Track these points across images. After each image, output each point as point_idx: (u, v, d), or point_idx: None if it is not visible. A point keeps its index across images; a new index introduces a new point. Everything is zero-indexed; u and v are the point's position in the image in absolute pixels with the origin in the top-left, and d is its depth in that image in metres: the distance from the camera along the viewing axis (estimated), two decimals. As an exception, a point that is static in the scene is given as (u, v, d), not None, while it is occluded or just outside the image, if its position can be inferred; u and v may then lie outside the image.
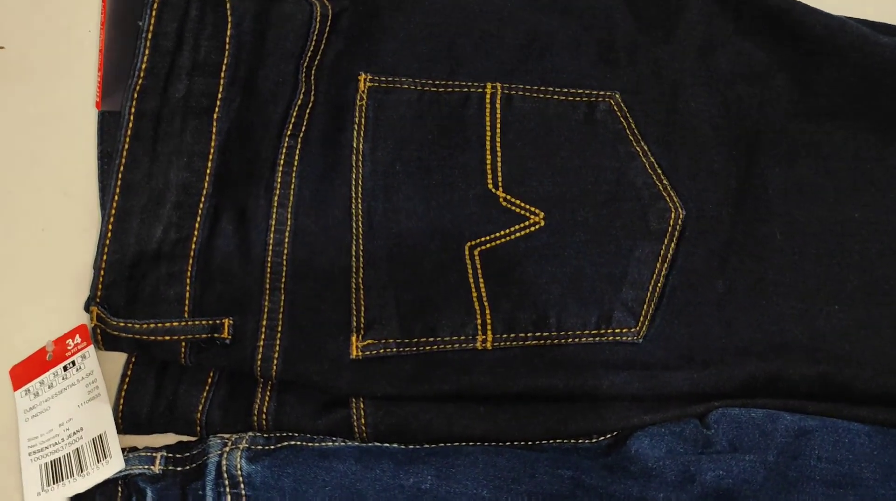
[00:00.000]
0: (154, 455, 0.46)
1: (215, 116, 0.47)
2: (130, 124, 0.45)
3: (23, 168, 0.54)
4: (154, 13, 0.45)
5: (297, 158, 0.50)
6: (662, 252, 0.50)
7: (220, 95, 0.47)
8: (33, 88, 0.55)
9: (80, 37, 0.55)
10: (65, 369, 0.50)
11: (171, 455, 0.46)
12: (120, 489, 0.45)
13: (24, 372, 0.50)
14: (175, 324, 0.45)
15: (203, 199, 0.47)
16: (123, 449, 0.46)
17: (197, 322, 0.46)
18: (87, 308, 0.46)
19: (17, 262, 0.52)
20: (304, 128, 0.50)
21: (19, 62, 0.55)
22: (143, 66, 0.45)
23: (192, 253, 0.47)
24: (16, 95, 0.54)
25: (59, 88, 0.54)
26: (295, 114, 0.50)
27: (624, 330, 0.48)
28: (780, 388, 0.46)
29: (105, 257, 0.45)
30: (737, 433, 0.44)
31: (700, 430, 0.44)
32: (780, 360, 0.47)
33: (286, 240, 0.49)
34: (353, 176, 0.50)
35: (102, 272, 0.45)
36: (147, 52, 0.45)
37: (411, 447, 0.46)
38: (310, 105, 0.51)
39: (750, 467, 0.42)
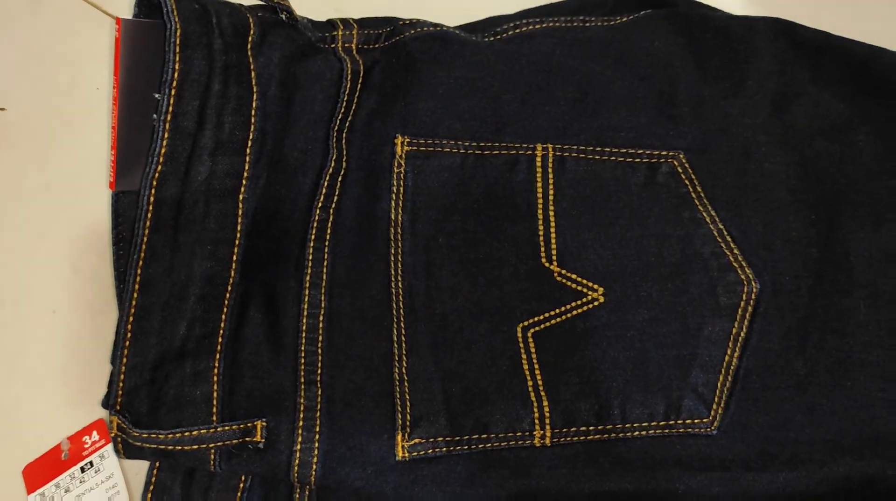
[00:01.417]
0: (183, 573, 0.42)
1: (241, 197, 0.42)
2: (149, 215, 0.40)
3: (29, 243, 0.49)
4: (174, 92, 0.40)
5: (329, 232, 0.45)
6: (735, 331, 0.45)
7: (245, 174, 0.42)
8: (38, 154, 0.50)
9: (87, 95, 0.50)
10: (82, 470, 0.45)
11: (201, 572, 0.42)
12: None
13: (38, 473, 0.46)
14: (203, 432, 0.41)
15: (230, 289, 0.42)
16: (149, 567, 0.42)
17: (227, 428, 0.41)
18: (104, 406, 0.42)
19: (26, 348, 0.48)
20: (335, 198, 0.46)
21: (22, 125, 0.50)
22: (163, 151, 0.40)
23: (218, 348, 0.42)
24: (19, 162, 0.50)
25: (66, 153, 0.50)
26: (326, 183, 0.45)
27: (696, 421, 0.44)
28: (880, 491, 0.42)
29: (125, 361, 0.41)
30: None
31: (790, 544, 0.40)
32: (877, 458, 0.42)
33: (320, 325, 0.44)
34: (392, 251, 0.46)
35: (122, 377, 0.41)
36: (166, 135, 0.40)
37: (466, 561, 0.41)
38: (342, 173, 0.46)
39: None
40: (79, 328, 0.48)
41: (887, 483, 0.42)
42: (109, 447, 0.45)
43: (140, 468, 0.45)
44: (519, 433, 0.43)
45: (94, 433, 0.46)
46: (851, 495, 0.42)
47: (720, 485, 0.42)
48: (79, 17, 0.53)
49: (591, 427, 0.43)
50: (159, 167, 0.40)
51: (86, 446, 0.46)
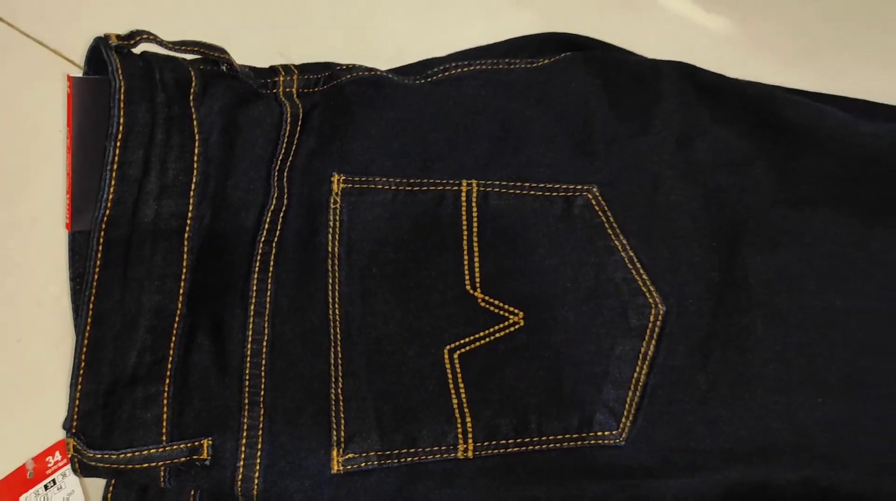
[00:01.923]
0: (137, 581, 0.46)
1: (186, 235, 0.46)
2: (99, 254, 0.44)
3: (-4, 277, 0.53)
4: (118, 143, 0.44)
5: (271, 264, 0.49)
6: (643, 349, 0.49)
7: (190, 215, 0.46)
8: (3, 194, 0.54)
9: (50, 138, 0.54)
10: (46, 487, 0.50)
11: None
12: None
13: (5, 491, 0.50)
14: (153, 451, 0.45)
15: (177, 319, 0.46)
16: (106, 575, 0.46)
17: (175, 446, 0.45)
18: (64, 429, 0.46)
19: (-7, 375, 0.52)
20: (277, 233, 0.50)
21: (-12, 166, 0.54)
22: (110, 196, 0.44)
23: (168, 373, 0.46)
24: (-15, 201, 0.54)
25: (29, 194, 0.54)
26: (268, 219, 0.50)
27: (606, 433, 0.48)
28: (767, 495, 0.46)
29: (80, 388, 0.45)
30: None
31: (683, 544, 0.44)
32: (766, 464, 0.47)
33: (264, 350, 0.48)
34: (330, 281, 0.50)
35: (77, 403, 0.45)
36: (113, 183, 0.44)
37: (395, 565, 0.46)
38: (283, 209, 0.50)
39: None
40: (42, 356, 0.52)
41: (773, 489, 0.46)
42: (68, 469, 0.49)
43: (99, 483, 0.49)
44: (444, 447, 0.47)
45: (57, 453, 0.51)
46: (742, 498, 0.46)
47: (624, 492, 0.46)
48: (44, 64, 0.57)
49: (510, 441, 0.48)
50: (107, 212, 0.44)
51: (49, 465, 0.50)
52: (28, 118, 0.55)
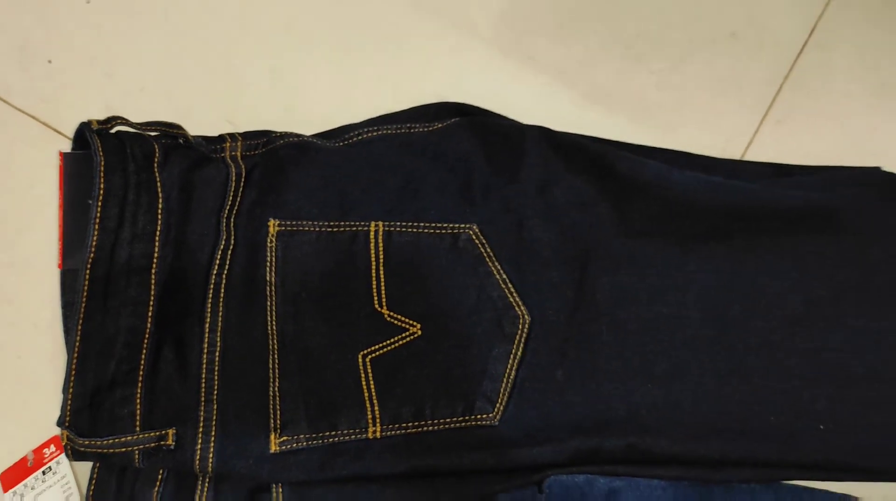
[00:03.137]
0: (118, 541, 0.59)
1: (153, 271, 0.60)
2: (86, 287, 0.58)
3: (-1, 307, 0.66)
4: (100, 203, 0.58)
5: (222, 292, 0.63)
6: (513, 351, 0.63)
7: (156, 255, 0.60)
8: (3, 238, 0.67)
9: (43, 192, 0.67)
10: (43, 473, 0.62)
11: (132, 539, 0.59)
12: (92, 568, 0.58)
13: (12, 477, 0.62)
14: (129, 438, 0.58)
15: (147, 336, 0.60)
16: (93, 538, 0.59)
17: (146, 434, 0.58)
18: (58, 425, 0.59)
19: (-1, 386, 0.65)
20: (227, 267, 0.63)
21: (-9, 217, 0.67)
22: (94, 243, 0.58)
23: (140, 379, 0.59)
24: (-11, 246, 0.67)
25: (25, 239, 0.67)
26: (219, 257, 0.63)
27: (484, 416, 0.62)
28: (601, 457, 0.60)
29: (71, 391, 0.58)
30: (564, 495, 0.58)
31: (537, 495, 0.58)
32: (600, 435, 0.61)
33: (216, 360, 0.62)
34: (269, 304, 0.63)
35: (70, 403, 0.57)
36: (96, 232, 0.58)
37: (319, 521, 0.59)
38: (231, 248, 0.64)
39: (571, 523, 0.57)
40: (38, 370, 0.65)
41: (605, 452, 0.60)
42: (63, 456, 0.62)
43: (85, 469, 0.62)
44: (357, 430, 0.61)
45: (52, 445, 0.63)
46: (583, 461, 0.60)
47: (494, 458, 0.60)
48: (36, 134, 0.70)
49: (409, 424, 0.61)
50: (91, 254, 0.58)
51: (45, 456, 0.63)
52: (23, 178, 0.68)
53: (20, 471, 0.62)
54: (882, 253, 0.65)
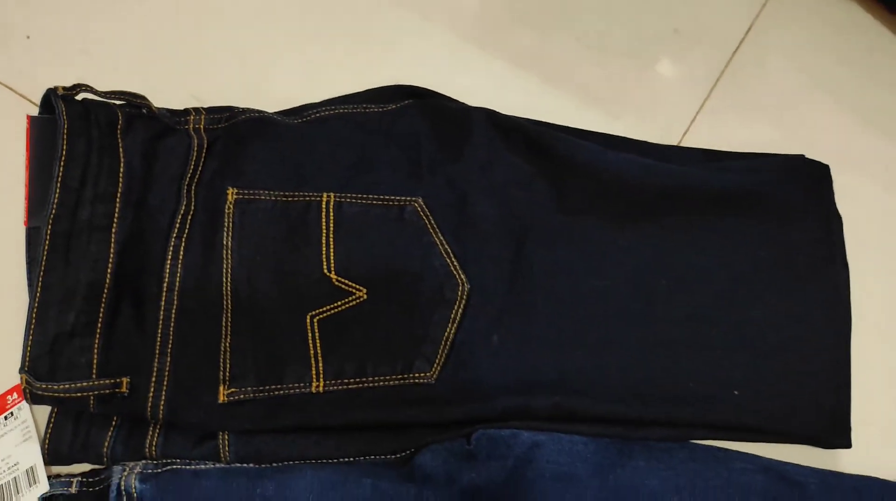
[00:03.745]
0: (72, 480, 0.63)
1: (113, 230, 0.64)
2: (48, 241, 0.62)
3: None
4: (62, 164, 0.62)
5: (181, 254, 0.67)
6: (452, 316, 0.67)
7: (116, 215, 0.64)
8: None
9: (13, 159, 0.72)
10: (5, 418, 0.66)
11: (84, 479, 0.63)
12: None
13: (-26, 422, 0.66)
14: (84, 384, 0.62)
15: (106, 291, 0.64)
16: (49, 477, 0.62)
17: (102, 382, 0.62)
18: (19, 371, 0.63)
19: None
20: (186, 231, 0.67)
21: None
22: (56, 201, 0.62)
23: (98, 331, 0.63)
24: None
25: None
26: (178, 221, 0.67)
27: (421, 375, 0.66)
28: (528, 414, 0.64)
29: (31, 338, 0.62)
30: (490, 447, 0.62)
31: (465, 446, 0.62)
32: (529, 395, 0.65)
33: (172, 317, 0.65)
34: (224, 266, 0.67)
35: (29, 349, 0.62)
36: (58, 191, 0.62)
37: (262, 466, 0.63)
38: (191, 214, 0.68)
39: (495, 471, 0.60)
40: (4, 325, 0.69)
41: (531, 410, 0.64)
42: (24, 403, 0.66)
43: (45, 415, 0.66)
44: (302, 384, 0.65)
45: (14, 394, 0.67)
46: (509, 417, 0.64)
47: (429, 414, 0.64)
48: (14, 105, 0.75)
49: (351, 380, 0.65)
50: (54, 211, 0.62)
51: (8, 402, 0.67)
52: (-1, 147, 0.73)
53: (-17, 417, 0.66)
54: (801, 234, 0.70)
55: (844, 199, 0.72)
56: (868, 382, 0.69)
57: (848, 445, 0.66)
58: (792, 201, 0.71)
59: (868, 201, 0.77)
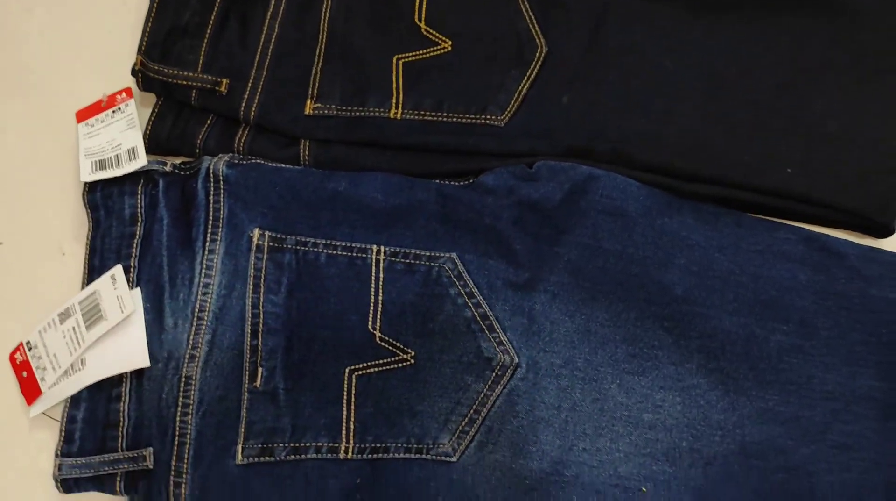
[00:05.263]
0: (167, 161, 0.69)
1: None
2: None
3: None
4: None
5: None
6: (528, 73, 0.72)
7: None
8: None
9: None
10: (113, 112, 0.73)
11: (179, 164, 0.69)
12: (142, 179, 0.68)
13: (87, 113, 0.73)
14: (191, 74, 0.68)
15: (217, 2, 0.71)
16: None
17: (205, 76, 0.69)
18: (133, 70, 0.70)
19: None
20: (289, -25, 0.74)
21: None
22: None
23: (207, 35, 0.70)
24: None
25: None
26: None
27: (492, 117, 0.70)
28: (589, 154, 0.68)
29: (150, 27, 0.69)
30: (549, 174, 0.66)
31: (526, 170, 0.66)
32: (592, 141, 0.69)
33: (273, 39, 0.72)
34: (324, 7, 0.73)
35: (147, 35, 0.69)
36: None
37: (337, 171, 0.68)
38: None
39: (552, 190, 0.65)
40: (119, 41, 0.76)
41: (593, 152, 0.68)
42: (132, 101, 0.73)
43: (148, 105, 0.72)
44: (382, 109, 0.69)
45: (123, 93, 0.74)
46: (571, 156, 0.68)
47: (494, 144, 0.68)
48: None
49: (427, 112, 0.69)
50: None
51: (117, 100, 0.74)
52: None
53: (94, 110, 0.73)
54: (871, 35, 0.72)
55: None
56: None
57: (891, 230, 0.68)
58: (866, 3, 0.73)
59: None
